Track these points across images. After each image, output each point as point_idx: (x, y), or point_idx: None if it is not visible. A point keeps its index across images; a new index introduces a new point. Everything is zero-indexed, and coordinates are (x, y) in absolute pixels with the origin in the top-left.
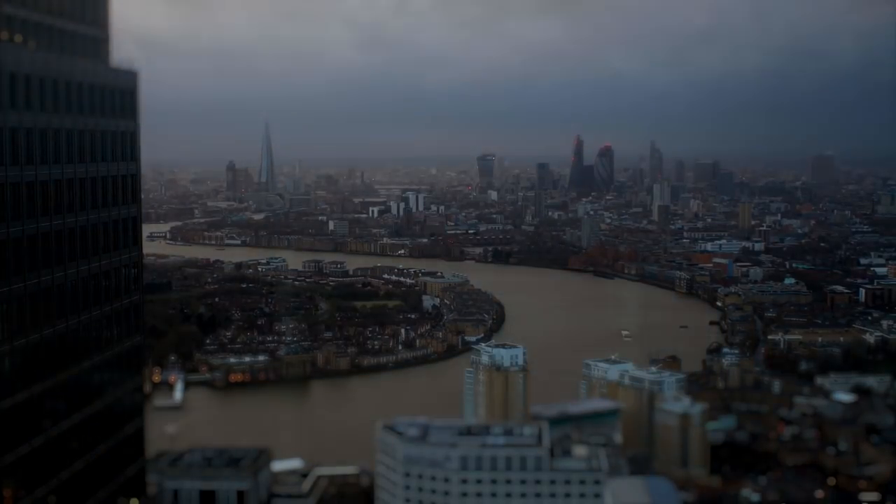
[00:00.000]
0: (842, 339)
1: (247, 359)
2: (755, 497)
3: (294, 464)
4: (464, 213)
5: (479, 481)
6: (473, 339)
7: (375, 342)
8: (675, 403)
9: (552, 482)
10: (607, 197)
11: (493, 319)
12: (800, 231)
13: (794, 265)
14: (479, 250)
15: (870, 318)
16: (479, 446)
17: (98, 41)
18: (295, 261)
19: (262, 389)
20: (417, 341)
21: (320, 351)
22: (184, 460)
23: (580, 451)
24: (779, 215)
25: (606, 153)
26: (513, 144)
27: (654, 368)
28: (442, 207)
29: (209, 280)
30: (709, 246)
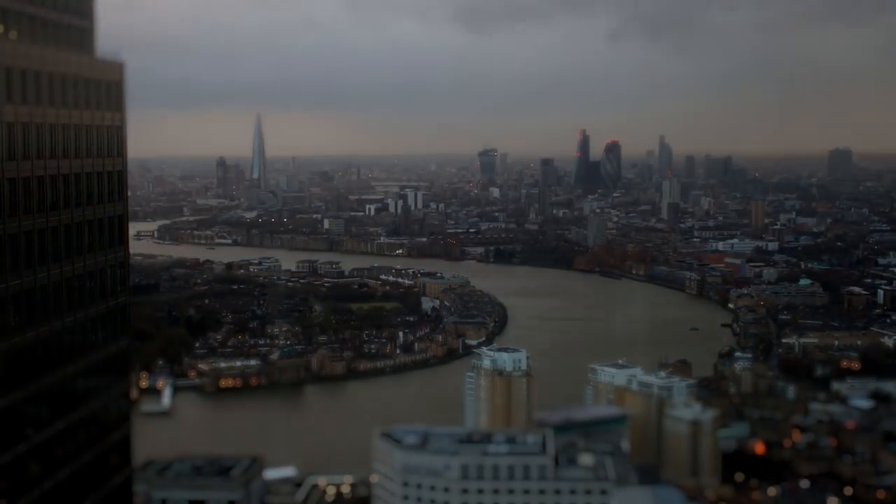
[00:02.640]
0: (859, 342)
1: (238, 363)
2: None
3: (288, 472)
4: (464, 211)
5: (480, 491)
6: (474, 342)
7: (372, 346)
8: (685, 410)
9: (557, 492)
10: (614, 194)
11: (494, 322)
12: (815, 230)
13: (809, 265)
14: (480, 250)
15: (888, 320)
16: (480, 454)
17: (83, 31)
18: (288, 261)
19: (255, 395)
20: (416, 345)
21: (315, 355)
22: (172, 469)
23: (586, 459)
24: (793, 213)
25: (613, 148)
26: (516, 139)
27: (663, 373)
28: (442, 205)
29: (199, 281)
30: (720, 245)
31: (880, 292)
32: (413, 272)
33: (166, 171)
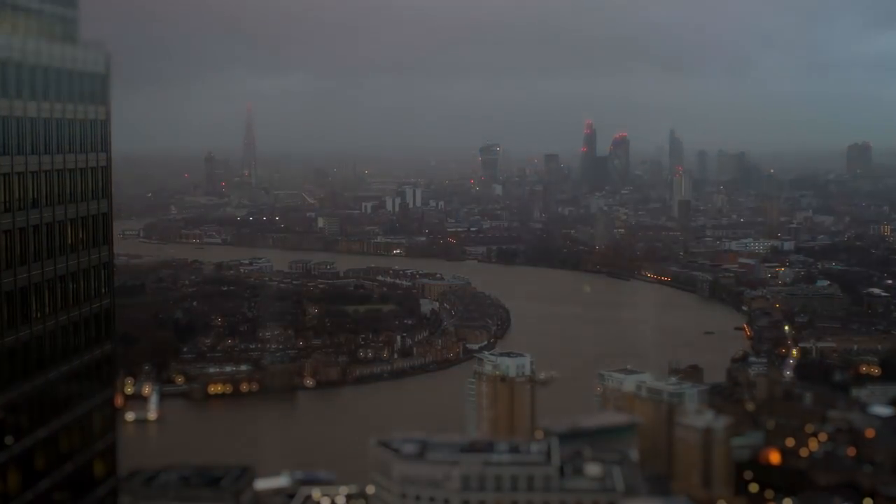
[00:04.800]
0: (879, 346)
1: (228, 368)
2: None
3: (280, 482)
4: (465, 209)
5: (482, 502)
6: (476, 346)
7: (368, 350)
8: (697, 417)
9: (562, 503)
10: (623, 191)
11: (497, 325)
12: (833, 228)
13: (826, 266)
14: (482, 250)
15: None
16: (482, 464)
17: (66, 20)
18: (280, 261)
19: (245, 401)
20: (415, 349)
21: (308, 360)
22: (159, 480)
23: (593, 469)
24: (810, 211)
25: (621, 143)
26: (519, 134)
27: (673, 379)
28: (441, 203)
29: (187, 282)
30: (734, 245)
31: None
32: (411, 273)
33: (153, 166)
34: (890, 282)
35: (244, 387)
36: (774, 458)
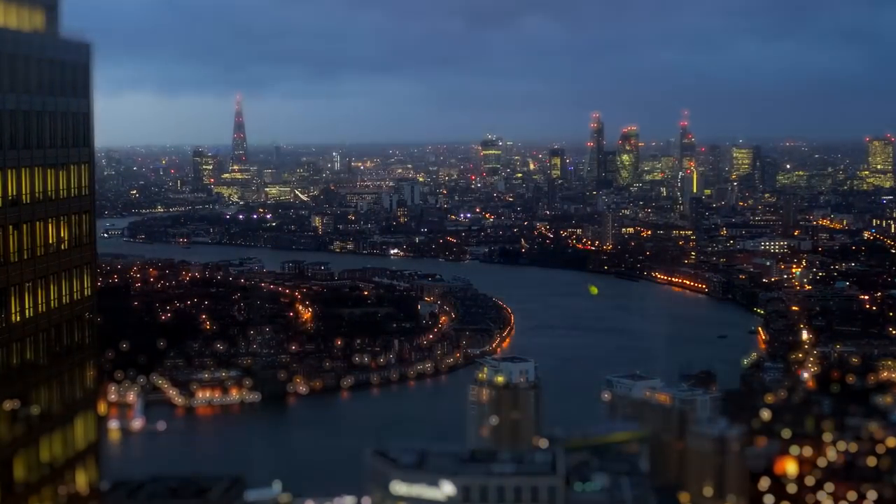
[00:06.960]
0: None
1: (217, 374)
2: None
3: (272, 493)
4: (466, 207)
5: None
6: (477, 351)
7: (364, 355)
8: (710, 425)
9: None
10: (631, 188)
11: (499, 329)
12: (853, 227)
13: (846, 266)
14: (483, 249)
15: None
16: (484, 475)
17: (46, 8)
18: (272, 261)
19: (235, 409)
20: (413, 354)
21: (301, 365)
22: (145, 490)
23: (600, 479)
24: (829, 209)
25: (630, 137)
26: (523, 128)
27: (685, 385)
28: (441, 200)
29: (173, 284)
30: (748, 244)
31: None
32: (409, 274)
33: (137, 161)
34: None
35: (234, 393)
36: (791, 467)
